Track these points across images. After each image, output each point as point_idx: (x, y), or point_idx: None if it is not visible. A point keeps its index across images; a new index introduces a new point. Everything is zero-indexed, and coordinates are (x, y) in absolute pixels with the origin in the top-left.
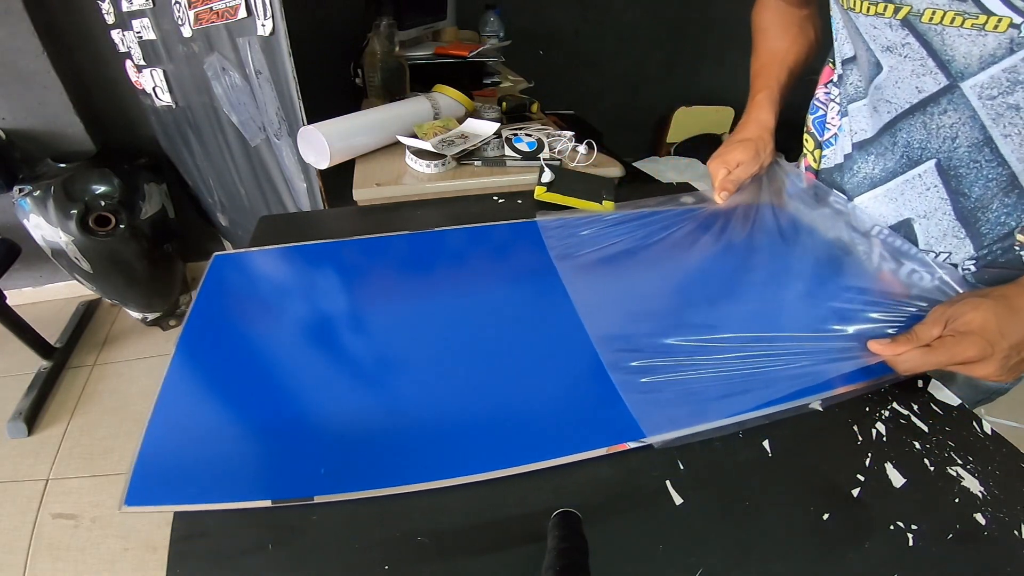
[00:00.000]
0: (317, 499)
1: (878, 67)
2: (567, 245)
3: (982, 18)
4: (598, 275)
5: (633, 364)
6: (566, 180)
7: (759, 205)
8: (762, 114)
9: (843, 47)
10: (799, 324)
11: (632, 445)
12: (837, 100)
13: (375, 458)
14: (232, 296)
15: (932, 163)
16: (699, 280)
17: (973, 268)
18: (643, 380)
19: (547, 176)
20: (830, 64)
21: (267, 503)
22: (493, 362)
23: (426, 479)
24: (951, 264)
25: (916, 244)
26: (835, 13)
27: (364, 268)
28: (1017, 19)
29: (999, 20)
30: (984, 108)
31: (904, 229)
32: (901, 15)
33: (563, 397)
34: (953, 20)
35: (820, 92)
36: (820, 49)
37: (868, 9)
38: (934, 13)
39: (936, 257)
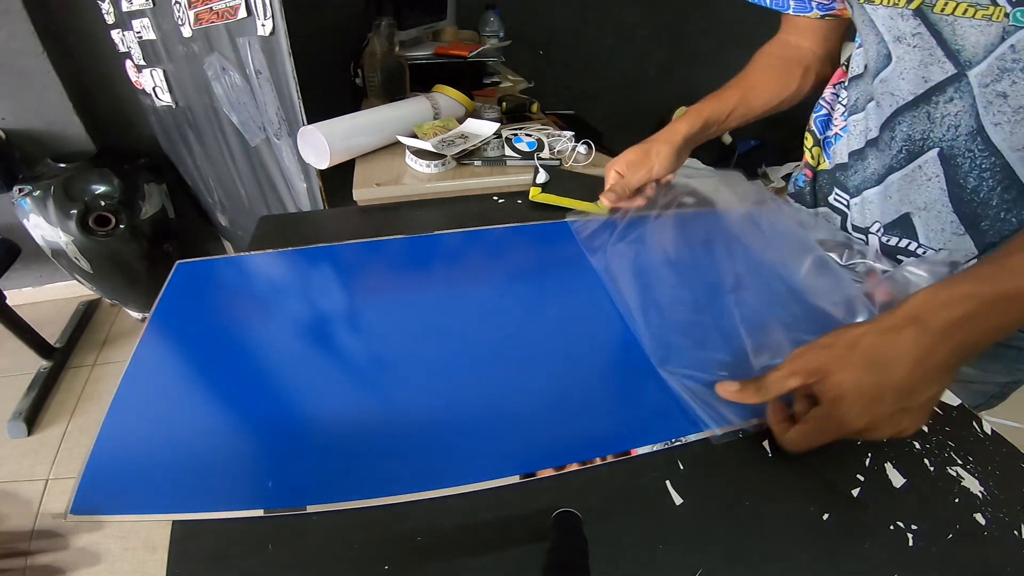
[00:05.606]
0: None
1: (887, 59)
2: (596, 242)
3: (991, 8)
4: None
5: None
6: (561, 181)
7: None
8: (677, 124)
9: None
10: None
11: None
12: (844, 101)
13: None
14: (204, 301)
15: (935, 152)
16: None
17: None
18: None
19: (542, 177)
20: (843, 67)
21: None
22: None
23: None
24: (952, 262)
25: (916, 240)
26: (854, 15)
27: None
28: (1008, 7)
29: (998, 9)
30: (980, 96)
31: (903, 225)
32: (914, 4)
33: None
34: (965, 11)
35: (827, 92)
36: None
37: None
38: (946, 3)
39: (936, 255)
